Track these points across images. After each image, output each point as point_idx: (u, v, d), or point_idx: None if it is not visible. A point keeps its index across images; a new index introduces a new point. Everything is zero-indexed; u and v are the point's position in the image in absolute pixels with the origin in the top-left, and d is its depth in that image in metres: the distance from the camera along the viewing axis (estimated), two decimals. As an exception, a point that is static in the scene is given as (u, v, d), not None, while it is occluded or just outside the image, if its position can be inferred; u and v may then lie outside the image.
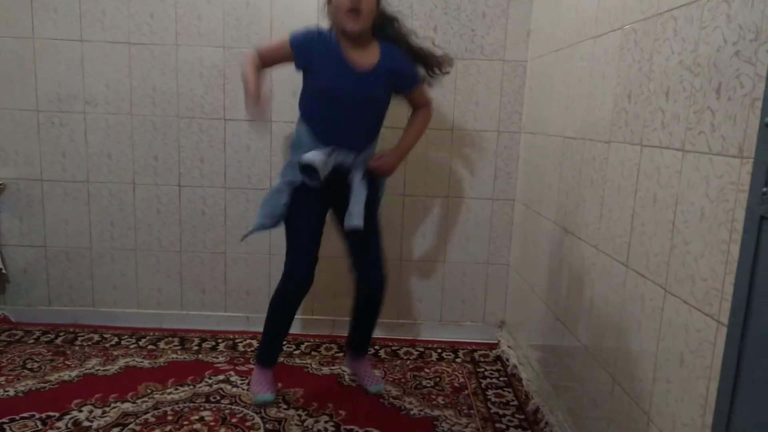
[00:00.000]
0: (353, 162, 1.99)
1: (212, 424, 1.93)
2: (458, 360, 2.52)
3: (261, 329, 2.69)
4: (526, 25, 2.50)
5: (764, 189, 0.81)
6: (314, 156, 1.90)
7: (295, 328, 2.34)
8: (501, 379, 2.36)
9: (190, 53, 2.52)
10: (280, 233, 2.67)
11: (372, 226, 2.09)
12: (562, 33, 2.08)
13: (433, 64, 2.03)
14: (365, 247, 2.11)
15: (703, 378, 1.15)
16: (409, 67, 2.02)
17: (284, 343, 2.29)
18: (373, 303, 2.16)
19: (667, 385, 1.28)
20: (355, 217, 1.94)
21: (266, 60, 1.97)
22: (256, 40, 2.50)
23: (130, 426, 1.89)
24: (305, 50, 1.92)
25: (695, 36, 1.21)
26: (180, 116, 2.57)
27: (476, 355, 2.58)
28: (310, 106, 1.99)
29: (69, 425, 1.88)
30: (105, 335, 2.61)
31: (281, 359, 2.42)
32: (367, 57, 1.94)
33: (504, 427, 2.00)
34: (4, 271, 2.66)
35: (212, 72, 2.54)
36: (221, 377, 2.27)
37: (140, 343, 2.56)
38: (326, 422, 1.97)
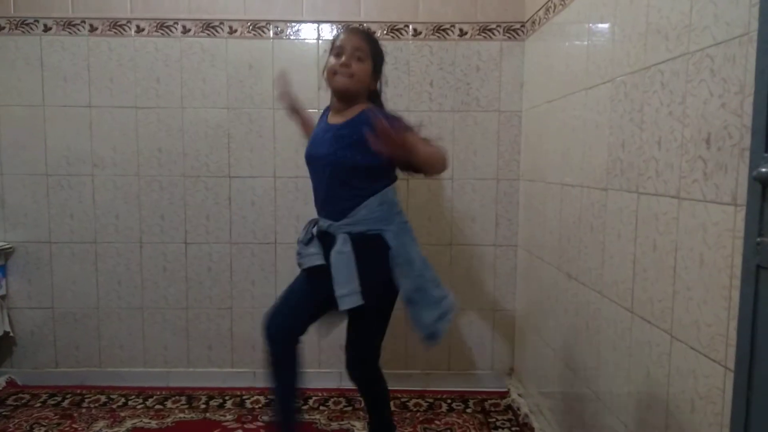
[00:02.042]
0: (333, 228, 1.80)
1: (222, 486, 1.90)
2: (468, 410, 2.49)
3: (268, 384, 2.68)
4: (519, 78, 2.58)
5: (758, 239, 0.84)
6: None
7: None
8: (513, 429, 2.33)
9: (195, 115, 2.60)
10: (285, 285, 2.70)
11: (363, 314, 1.79)
12: (555, 85, 2.15)
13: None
14: (356, 337, 1.89)
15: (715, 425, 1.15)
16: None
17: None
18: (361, 388, 1.96)
19: (680, 433, 1.28)
20: (343, 301, 1.72)
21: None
22: (259, 100, 2.59)
23: (139, 491, 1.86)
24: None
25: (682, 89, 1.27)
26: (186, 175, 2.63)
27: (487, 404, 2.55)
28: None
29: (77, 492, 1.85)
30: (112, 396, 2.59)
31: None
32: (346, 116, 1.84)
33: (518, 479, 1.96)
34: (11, 334, 2.67)
35: (217, 132, 2.61)
36: (230, 436, 2.24)
37: (147, 403, 2.53)
38: (337, 480, 1.94)
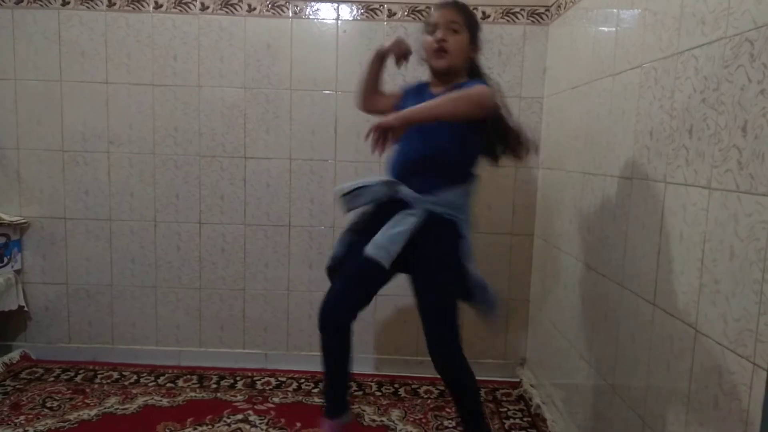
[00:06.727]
0: (417, 201, 1.74)
1: (232, 465, 1.90)
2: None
3: (279, 366, 2.69)
4: (542, 63, 2.53)
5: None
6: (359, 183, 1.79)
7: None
8: (524, 419, 2.30)
9: (211, 94, 2.58)
10: (300, 270, 2.69)
11: (433, 288, 1.79)
12: (579, 71, 2.10)
13: (513, 142, 1.81)
14: (425, 314, 1.81)
15: (739, 422, 1.11)
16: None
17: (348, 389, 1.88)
18: (447, 384, 1.89)
19: (700, 429, 1.25)
20: (372, 246, 1.69)
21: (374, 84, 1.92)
22: (276, 81, 2.56)
23: (150, 468, 1.87)
24: (404, 96, 1.90)
25: (717, 74, 1.22)
26: (201, 155, 2.61)
27: (498, 394, 2.53)
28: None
29: (88, 467, 1.86)
30: (124, 373, 2.61)
31: (300, 398, 2.40)
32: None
33: (529, 469, 1.94)
34: (26, 308, 2.68)
35: (233, 112, 2.59)
36: (240, 416, 2.24)
37: (159, 380, 2.54)
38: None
